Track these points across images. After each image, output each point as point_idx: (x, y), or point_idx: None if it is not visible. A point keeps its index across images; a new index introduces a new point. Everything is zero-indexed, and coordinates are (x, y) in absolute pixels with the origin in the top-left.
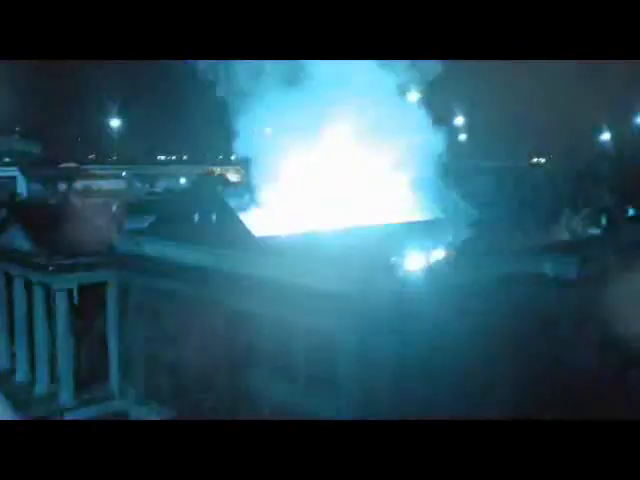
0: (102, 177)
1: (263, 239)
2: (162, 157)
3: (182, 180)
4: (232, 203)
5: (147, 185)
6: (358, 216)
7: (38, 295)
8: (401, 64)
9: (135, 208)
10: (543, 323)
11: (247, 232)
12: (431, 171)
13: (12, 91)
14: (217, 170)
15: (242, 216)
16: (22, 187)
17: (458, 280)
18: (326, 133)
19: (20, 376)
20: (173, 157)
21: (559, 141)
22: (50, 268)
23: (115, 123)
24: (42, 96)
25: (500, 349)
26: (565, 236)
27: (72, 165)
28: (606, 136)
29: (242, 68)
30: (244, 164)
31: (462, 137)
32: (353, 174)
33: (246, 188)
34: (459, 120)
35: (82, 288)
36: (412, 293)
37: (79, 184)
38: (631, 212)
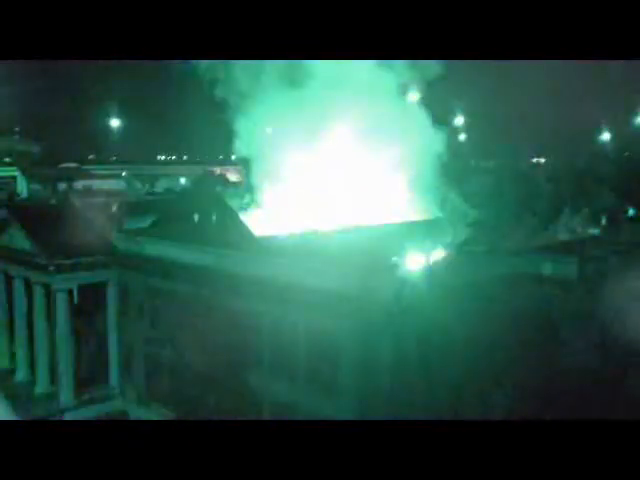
0: (102, 177)
1: (263, 239)
2: (162, 157)
3: (182, 180)
4: (232, 203)
5: (147, 185)
6: (358, 216)
7: (38, 295)
8: (401, 64)
9: (135, 208)
10: (543, 323)
11: (247, 232)
12: (431, 171)
13: (12, 91)
14: (217, 170)
15: (242, 216)
16: (22, 187)
17: (458, 280)
18: (326, 133)
19: (20, 376)
20: (173, 157)
21: (559, 141)
22: (50, 268)
23: (115, 123)
24: (42, 96)
25: (500, 349)
26: (565, 236)
27: (72, 165)
28: (606, 136)
29: (242, 68)
30: (244, 164)
31: (462, 137)
32: (353, 174)
33: (246, 188)
34: (459, 120)
35: (82, 288)
36: (412, 293)
37: (79, 184)
38: (631, 212)
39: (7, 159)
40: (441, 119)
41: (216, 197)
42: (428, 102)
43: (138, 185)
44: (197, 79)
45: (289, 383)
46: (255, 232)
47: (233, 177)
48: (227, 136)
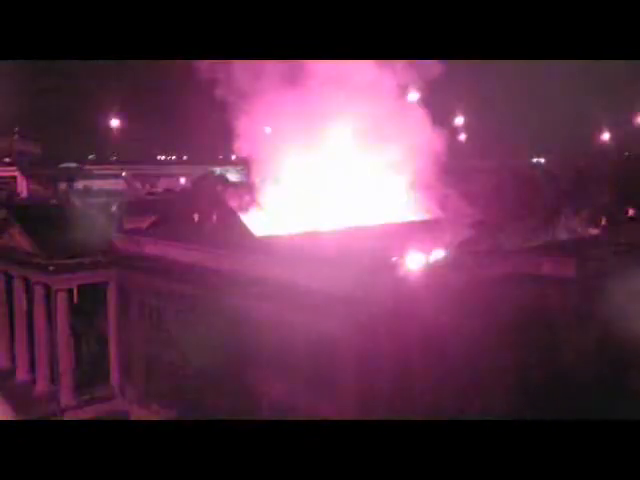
0: (102, 177)
1: (263, 239)
2: (162, 157)
3: (182, 180)
4: (232, 203)
5: (147, 185)
6: (358, 216)
7: (38, 295)
8: (401, 64)
9: (135, 208)
10: (543, 323)
11: (247, 232)
12: (431, 171)
13: (12, 91)
14: (217, 170)
15: (242, 216)
16: (22, 187)
17: (458, 280)
18: (326, 133)
19: (20, 376)
20: (173, 157)
21: (559, 141)
22: (50, 268)
23: (115, 123)
24: (42, 96)
25: (500, 349)
26: (565, 236)
27: (72, 165)
28: (606, 136)
29: (242, 68)
30: (244, 164)
31: (462, 137)
32: (353, 174)
33: (246, 188)
34: (459, 120)
35: (82, 288)
36: (412, 293)
37: (79, 184)
38: (631, 212)
39: (7, 159)
40: (441, 119)
41: (216, 197)
42: (428, 102)
43: (138, 185)
44: (197, 79)
45: (289, 383)
46: (255, 232)
47: (233, 177)
48: (227, 136)
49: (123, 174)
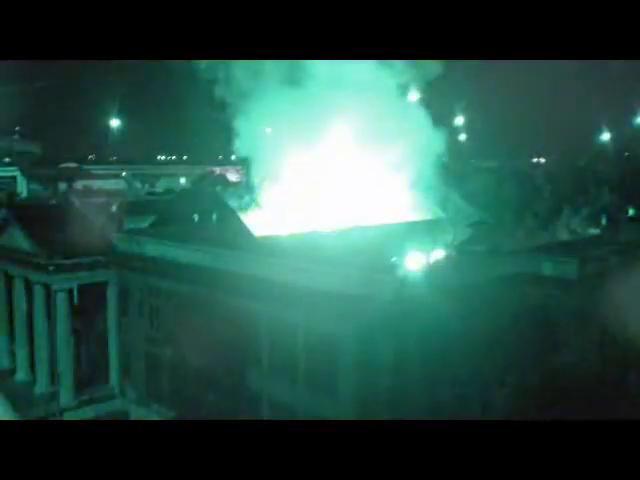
0: (102, 177)
1: (263, 239)
2: (162, 157)
3: (182, 180)
4: (232, 203)
5: (147, 185)
6: (358, 216)
7: (38, 295)
8: (401, 64)
9: (135, 208)
10: (543, 323)
11: (247, 232)
12: (431, 171)
13: (12, 91)
14: (217, 170)
15: (242, 216)
16: (22, 187)
17: (458, 280)
18: (326, 133)
19: (20, 376)
20: (173, 157)
21: (559, 141)
22: (50, 268)
23: (115, 123)
24: (42, 96)
25: (500, 349)
26: (565, 236)
27: (72, 165)
28: (606, 136)
29: (242, 68)
30: (244, 164)
31: (462, 137)
32: (353, 174)
33: (246, 188)
34: (459, 120)
35: (82, 288)
36: (412, 293)
37: (79, 184)
38: (631, 212)
39: (7, 159)
40: (441, 119)
41: (216, 197)
42: (428, 102)
43: (138, 185)
44: (197, 79)
45: (289, 383)
46: (255, 232)
47: (233, 177)
48: (227, 136)
49: (123, 174)
